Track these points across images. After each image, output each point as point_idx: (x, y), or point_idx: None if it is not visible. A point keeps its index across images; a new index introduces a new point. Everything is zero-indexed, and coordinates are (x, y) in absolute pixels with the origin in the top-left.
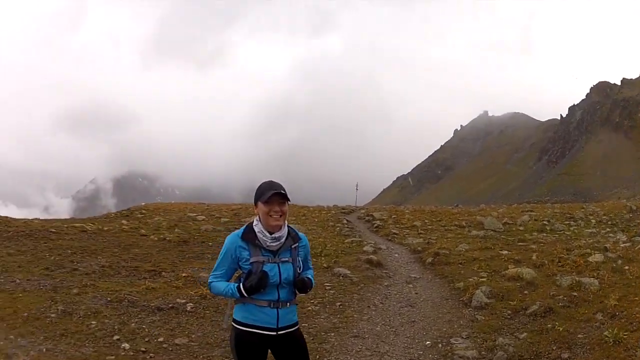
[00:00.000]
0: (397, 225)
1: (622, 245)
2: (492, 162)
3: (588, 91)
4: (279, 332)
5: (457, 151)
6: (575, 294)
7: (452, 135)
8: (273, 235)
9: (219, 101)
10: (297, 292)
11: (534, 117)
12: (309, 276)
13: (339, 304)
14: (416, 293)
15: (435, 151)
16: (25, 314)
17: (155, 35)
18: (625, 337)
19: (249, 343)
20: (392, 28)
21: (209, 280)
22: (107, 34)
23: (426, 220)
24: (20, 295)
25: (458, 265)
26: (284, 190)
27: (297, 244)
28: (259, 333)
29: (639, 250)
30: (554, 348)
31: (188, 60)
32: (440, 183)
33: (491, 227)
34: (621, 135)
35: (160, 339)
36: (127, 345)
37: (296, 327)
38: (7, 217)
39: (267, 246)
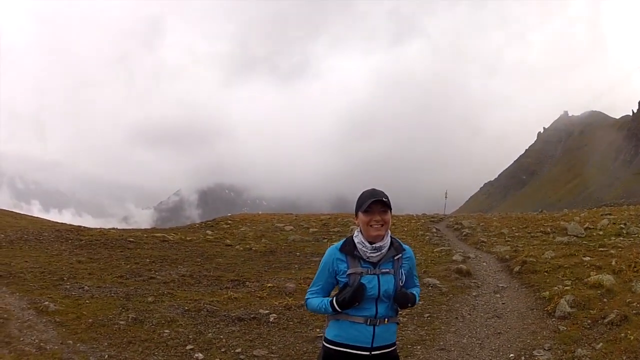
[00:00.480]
0: (485, 233)
1: None
2: (573, 165)
3: None
4: (373, 353)
5: (541, 155)
6: None
7: (535, 138)
8: (374, 245)
9: (304, 113)
10: (398, 308)
11: (609, 115)
12: (414, 292)
13: (427, 315)
14: (503, 303)
15: (520, 156)
16: (90, 320)
17: (237, 50)
18: None
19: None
20: (469, 29)
21: (305, 297)
22: (188, 50)
23: (513, 227)
24: (87, 301)
25: (544, 273)
26: (386, 198)
27: (400, 255)
28: (350, 353)
29: None
30: (624, 358)
31: (272, 74)
32: (526, 188)
33: (574, 233)
34: None
35: (238, 350)
36: (200, 355)
37: (393, 348)
38: (80, 226)
39: (367, 257)
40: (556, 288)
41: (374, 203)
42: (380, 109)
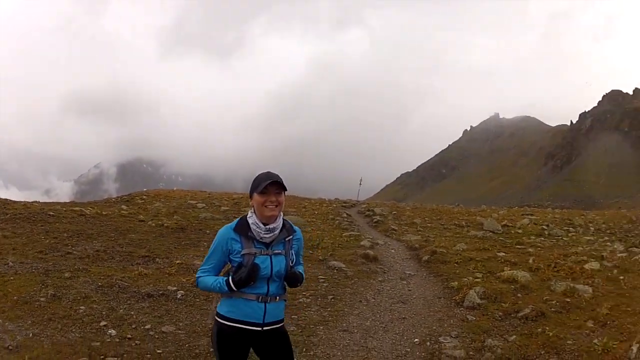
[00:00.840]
0: (397, 222)
1: (618, 255)
2: (499, 164)
3: (600, 99)
4: (264, 328)
5: (465, 152)
6: (569, 300)
7: (461, 135)
8: (268, 227)
9: (234, 92)
10: (287, 286)
11: (544, 122)
12: (300, 271)
13: (330, 297)
14: (409, 290)
15: (442, 150)
16: (15, 298)
17: (176, 26)
18: (614, 346)
19: (232, 339)
20: (415, 26)
21: (197, 275)
22: (128, 22)
23: (426, 218)
24: (12, 278)
25: (454, 264)
26: (281, 180)
27: (291, 237)
28: (243, 328)
29: (635, 261)
30: (542, 352)
31: (207, 51)
32: (444, 182)
33: (490, 229)
34: (628, 145)
35: (148, 326)
36: (113, 332)
37: (282, 324)
38: (6, 199)
39: (261, 238)
40: (466, 279)
41: (270, 185)
42: (309, 93)
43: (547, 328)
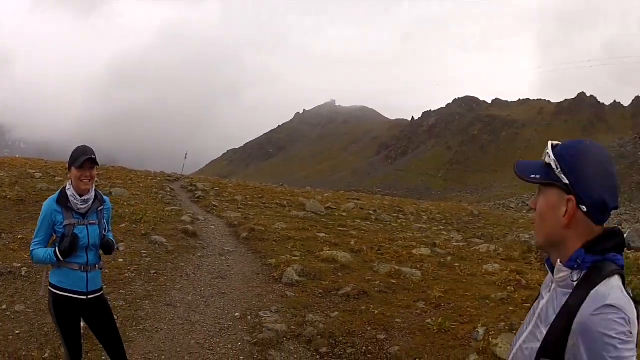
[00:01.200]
0: (218, 198)
1: (454, 243)
2: (328, 148)
3: (450, 102)
4: (89, 297)
5: (295, 133)
6: (394, 281)
7: (292, 117)
8: (83, 198)
9: (82, 54)
10: (103, 254)
11: (383, 114)
12: (111, 238)
13: (153, 272)
14: (228, 266)
15: (271, 130)
16: None
17: None
18: (453, 327)
19: (65, 307)
20: (271, 5)
21: (31, 249)
22: None
23: (248, 196)
24: None
25: (272, 242)
26: (95, 156)
27: (102, 206)
28: (71, 297)
29: (474, 251)
30: (368, 329)
31: (66, 6)
32: (271, 161)
33: (312, 210)
34: (475, 147)
35: (4, 307)
36: None
37: (102, 292)
38: None
39: (78, 209)
40: (284, 257)
41: (87, 160)
42: (152, 61)
43: (372, 306)
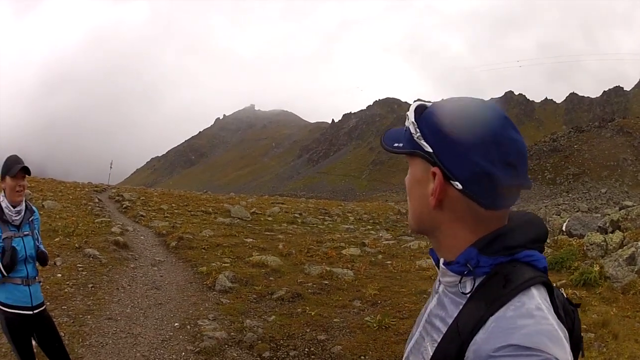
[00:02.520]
0: (145, 207)
1: (384, 242)
2: (249, 153)
3: (371, 104)
4: (35, 312)
5: (215, 140)
6: (327, 282)
7: (212, 123)
8: (16, 209)
9: (17, 56)
10: (39, 265)
11: (303, 118)
12: (43, 249)
13: (91, 285)
14: (161, 276)
15: (192, 137)
16: None
17: None
18: (393, 323)
19: (16, 324)
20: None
21: None
22: None
23: (173, 204)
24: None
25: (201, 250)
26: (27, 166)
27: (32, 217)
28: (21, 314)
29: (404, 248)
30: (307, 330)
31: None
32: (193, 168)
33: (238, 215)
34: None
35: None
36: None
37: (44, 306)
38: None
39: (12, 220)
40: (214, 264)
41: (21, 169)
42: (79, 65)
43: (308, 308)
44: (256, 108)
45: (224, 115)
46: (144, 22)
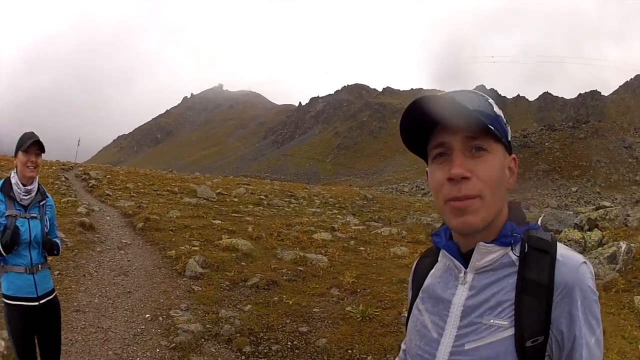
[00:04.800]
0: (111, 187)
1: (354, 227)
2: (214, 133)
3: (339, 88)
4: (41, 302)
5: (182, 119)
6: (301, 268)
7: (179, 102)
8: (26, 188)
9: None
10: (46, 254)
11: (270, 100)
12: (56, 239)
13: (57, 272)
14: (128, 260)
15: (159, 115)
16: None
17: None
18: (377, 313)
19: (19, 317)
20: None
21: None
22: None
23: (139, 183)
24: None
25: (169, 232)
26: (41, 141)
27: (44, 201)
28: (23, 305)
29: (375, 234)
30: (287, 321)
31: None
32: (159, 147)
33: (204, 196)
34: (365, 133)
35: None
36: None
37: (54, 294)
38: None
39: (20, 199)
40: (183, 247)
41: (33, 144)
42: (58, 45)
43: (285, 296)
44: (224, 88)
45: (192, 94)
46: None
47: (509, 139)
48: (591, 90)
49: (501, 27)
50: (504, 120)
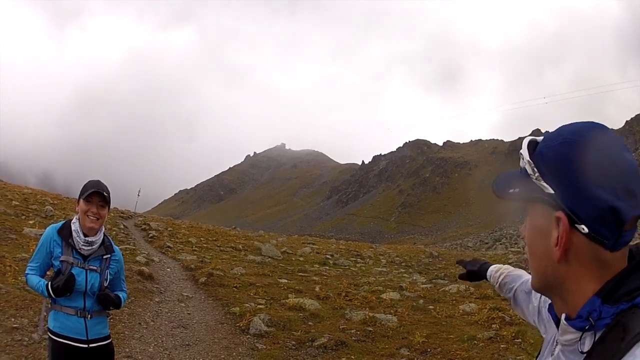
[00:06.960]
0: (172, 239)
1: (422, 286)
2: (278, 192)
3: (401, 145)
4: (90, 345)
5: (245, 176)
6: (371, 329)
7: (242, 160)
8: (87, 239)
9: (48, 76)
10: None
11: (332, 159)
12: (120, 294)
13: (109, 317)
14: (189, 313)
15: (222, 172)
16: None
17: None
18: None
19: (64, 356)
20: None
21: (26, 272)
22: None
23: (202, 238)
24: None
25: (233, 288)
26: (107, 193)
27: (109, 256)
28: (70, 345)
29: (443, 292)
30: None
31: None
32: (221, 204)
33: (269, 254)
34: (428, 189)
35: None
36: None
37: (109, 341)
38: None
39: (79, 248)
40: (248, 305)
41: (95, 194)
42: (116, 90)
43: (353, 357)
44: (287, 147)
45: (255, 152)
46: (189, 51)
47: (548, 191)
48: (636, 115)
49: (547, 62)
50: (534, 169)
